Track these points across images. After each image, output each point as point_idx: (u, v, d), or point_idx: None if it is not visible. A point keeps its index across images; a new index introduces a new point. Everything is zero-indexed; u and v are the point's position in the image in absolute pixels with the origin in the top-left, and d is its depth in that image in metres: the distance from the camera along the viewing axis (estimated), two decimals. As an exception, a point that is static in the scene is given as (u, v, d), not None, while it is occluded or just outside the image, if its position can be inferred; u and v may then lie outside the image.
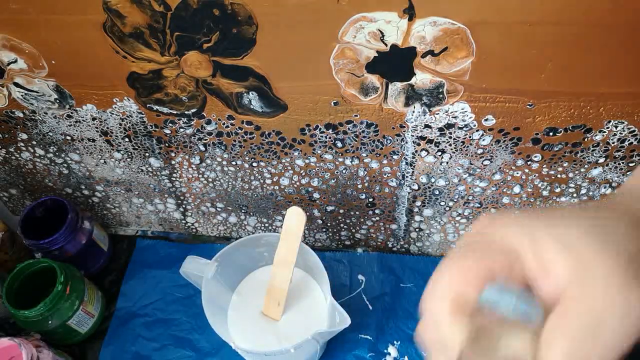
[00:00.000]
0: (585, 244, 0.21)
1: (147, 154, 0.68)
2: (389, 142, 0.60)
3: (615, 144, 0.57)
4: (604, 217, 0.23)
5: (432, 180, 0.65)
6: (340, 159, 0.64)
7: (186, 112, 0.60)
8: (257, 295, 0.68)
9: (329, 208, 0.73)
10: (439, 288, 0.20)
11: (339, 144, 0.61)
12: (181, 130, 0.63)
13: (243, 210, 0.77)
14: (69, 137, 0.67)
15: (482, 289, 0.20)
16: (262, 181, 0.70)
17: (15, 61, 0.56)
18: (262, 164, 0.66)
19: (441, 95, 0.53)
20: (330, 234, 0.79)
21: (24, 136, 0.68)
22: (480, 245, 0.22)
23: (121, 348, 0.73)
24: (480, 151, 0.59)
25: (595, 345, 0.19)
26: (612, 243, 0.21)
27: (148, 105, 0.60)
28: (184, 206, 0.78)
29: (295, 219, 0.57)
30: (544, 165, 0.60)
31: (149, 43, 0.52)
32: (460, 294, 0.20)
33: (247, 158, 0.66)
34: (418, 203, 0.69)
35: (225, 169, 0.68)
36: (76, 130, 0.66)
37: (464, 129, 0.56)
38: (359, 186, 0.68)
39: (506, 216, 0.22)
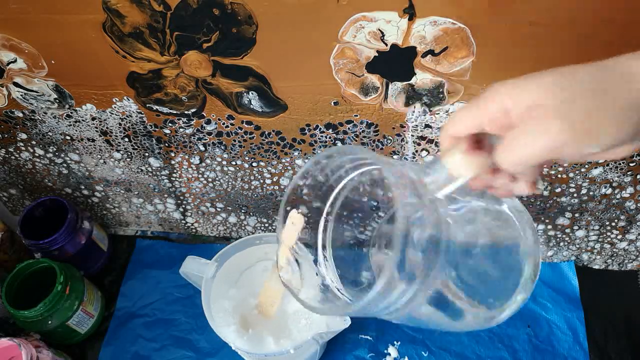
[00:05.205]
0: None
1: (146, 154, 0.68)
2: (389, 142, 0.60)
3: (615, 143, 0.57)
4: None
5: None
6: (340, 159, 0.64)
7: (186, 112, 0.60)
8: (257, 295, 0.67)
9: (329, 208, 0.73)
10: (446, 128, 0.32)
11: (339, 144, 0.61)
12: (181, 130, 0.63)
13: (243, 210, 0.77)
14: (68, 137, 0.67)
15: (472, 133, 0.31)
16: (262, 181, 0.70)
17: (15, 61, 0.56)
18: (262, 164, 0.66)
19: (441, 95, 0.53)
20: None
21: (24, 136, 0.68)
22: (478, 101, 0.30)
23: (121, 348, 0.73)
24: (480, 151, 0.59)
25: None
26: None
27: (148, 105, 0.60)
28: (183, 206, 0.78)
29: (293, 224, 0.57)
30: (544, 165, 0.60)
31: (149, 43, 0.52)
32: (455, 136, 0.32)
33: (247, 158, 0.66)
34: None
35: (225, 169, 0.68)
36: (76, 130, 0.65)
37: (464, 128, 0.56)
38: (359, 186, 0.68)
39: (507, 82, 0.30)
